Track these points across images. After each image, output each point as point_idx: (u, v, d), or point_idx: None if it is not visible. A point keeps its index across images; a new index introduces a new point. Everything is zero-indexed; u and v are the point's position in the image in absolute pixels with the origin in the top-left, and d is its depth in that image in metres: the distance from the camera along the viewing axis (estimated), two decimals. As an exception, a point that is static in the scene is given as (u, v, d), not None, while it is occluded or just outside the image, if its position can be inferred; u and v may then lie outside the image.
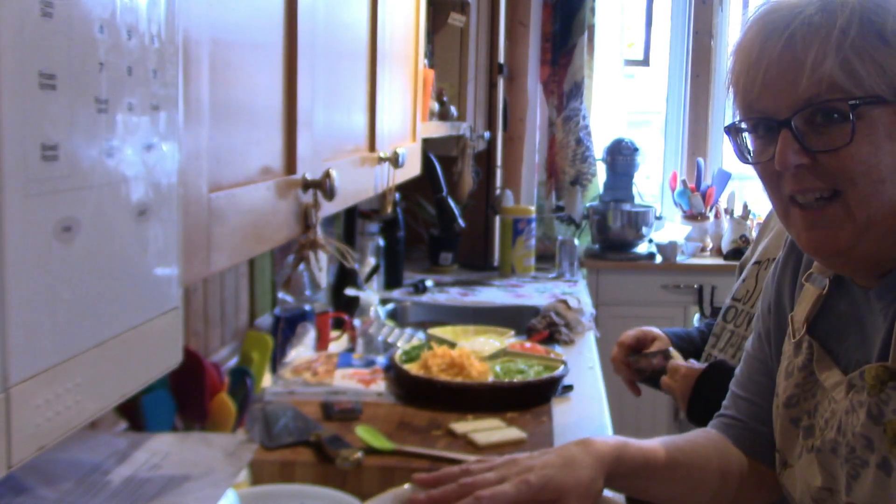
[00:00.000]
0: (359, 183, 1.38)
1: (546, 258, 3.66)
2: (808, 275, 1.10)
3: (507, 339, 2.10)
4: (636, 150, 4.12)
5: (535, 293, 3.03)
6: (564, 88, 4.20)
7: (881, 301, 0.97)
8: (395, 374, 1.83)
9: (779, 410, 1.10)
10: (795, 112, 0.92)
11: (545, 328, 2.39)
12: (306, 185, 1.05)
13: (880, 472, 0.93)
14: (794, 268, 1.16)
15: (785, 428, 1.08)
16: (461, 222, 2.96)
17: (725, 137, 1.07)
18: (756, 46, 0.96)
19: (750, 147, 1.01)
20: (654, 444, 1.16)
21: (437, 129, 2.46)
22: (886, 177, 0.91)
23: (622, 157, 4.12)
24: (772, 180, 0.99)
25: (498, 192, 3.73)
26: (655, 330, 1.75)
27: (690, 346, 1.75)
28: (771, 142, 0.96)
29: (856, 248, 0.95)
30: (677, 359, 1.63)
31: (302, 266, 1.84)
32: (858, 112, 0.90)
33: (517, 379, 1.79)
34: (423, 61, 2.05)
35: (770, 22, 0.95)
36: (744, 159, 1.02)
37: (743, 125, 1.00)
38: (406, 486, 1.12)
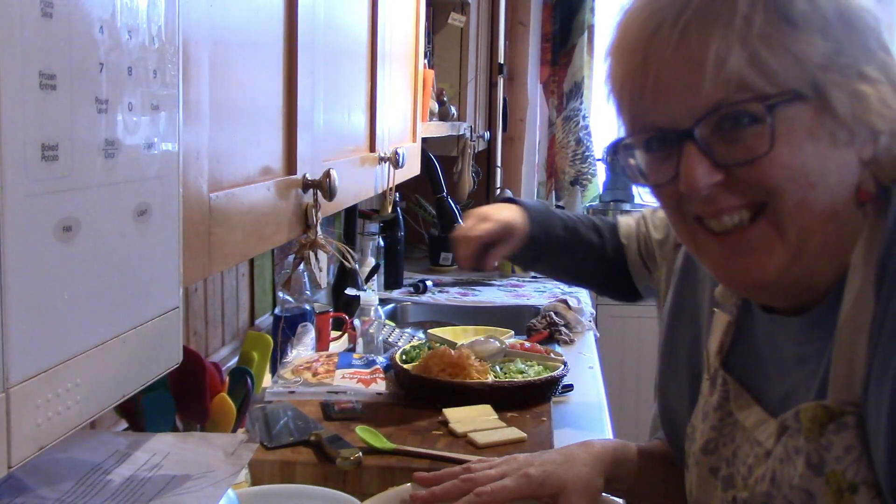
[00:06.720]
0: (359, 183, 1.38)
1: (546, 258, 3.66)
2: (717, 300, 0.95)
3: (507, 339, 2.10)
4: (636, 150, 4.12)
5: (535, 293, 3.03)
6: (564, 88, 4.21)
7: (815, 331, 0.82)
8: (395, 374, 1.83)
9: (696, 458, 0.94)
10: (699, 120, 0.75)
11: (545, 328, 2.39)
12: (306, 185, 1.05)
13: None
14: (712, 287, 0.97)
15: (703, 478, 0.93)
16: (461, 222, 2.95)
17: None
18: (641, 44, 0.78)
19: (642, 166, 0.82)
20: (654, 444, 1.15)
21: (437, 129, 2.46)
22: (816, 181, 0.75)
23: (622, 157, 4.13)
24: (672, 201, 0.81)
25: (498, 192, 3.73)
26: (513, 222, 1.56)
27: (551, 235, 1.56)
28: (668, 157, 0.79)
29: (787, 274, 0.79)
30: None
31: (302, 266, 1.84)
32: (775, 113, 0.74)
33: (517, 379, 1.79)
34: (423, 61, 2.05)
35: (655, 12, 0.77)
36: (638, 181, 0.84)
37: (632, 141, 0.82)
38: (406, 485, 1.13)
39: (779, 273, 0.78)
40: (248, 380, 1.26)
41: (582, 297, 2.80)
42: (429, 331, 2.21)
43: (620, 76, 0.81)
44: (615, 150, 0.83)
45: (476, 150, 3.42)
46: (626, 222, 1.64)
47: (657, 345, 1.59)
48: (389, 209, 2.27)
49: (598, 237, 1.61)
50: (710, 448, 0.93)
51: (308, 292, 1.97)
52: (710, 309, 0.97)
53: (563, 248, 1.60)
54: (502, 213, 1.58)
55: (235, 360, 1.44)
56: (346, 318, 2.21)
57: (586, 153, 4.20)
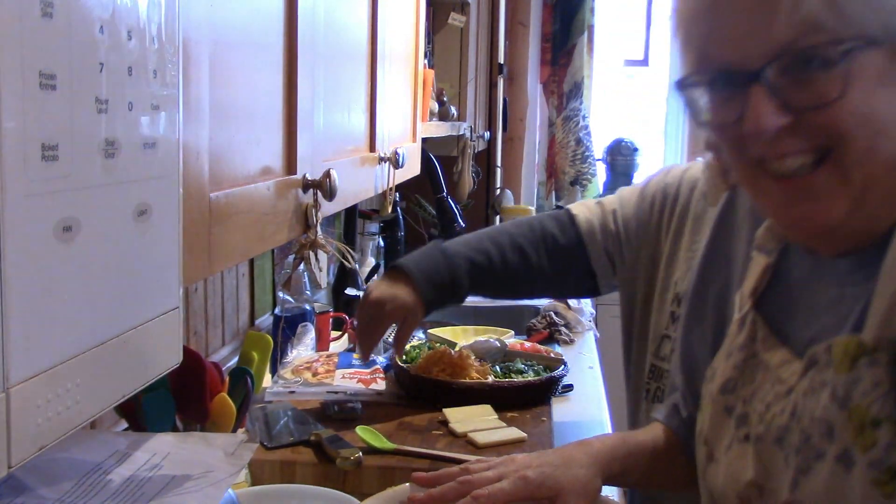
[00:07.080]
0: (359, 183, 1.38)
1: (546, 258, 3.65)
2: (755, 244, 0.94)
3: (507, 339, 2.10)
4: (636, 150, 4.13)
5: (535, 293, 3.02)
6: (564, 88, 4.21)
7: (859, 272, 0.80)
8: (395, 374, 1.83)
9: (713, 397, 0.94)
10: (769, 61, 0.73)
11: (545, 328, 2.38)
12: (306, 185, 1.05)
13: (838, 466, 0.75)
14: (749, 234, 0.97)
15: (717, 416, 0.93)
16: (461, 222, 2.95)
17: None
18: None
19: (705, 104, 0.80)
20: (657, 432, 1.15)
21: (437, 129, 2.46)
22: (884, 128, 0.74)
23: (622, 157, 4.14)
24: (735, 142, 0.79)
25: (498, 192, 3.73)
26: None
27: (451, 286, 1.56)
28: (734, 97, 0.77)
29: (850, 221, 0.77)
30: None
31: (302, 266, 1.84)
32: (849, 57, 0.72)
33: (517, 379, 1.79)
34: (423, 61, 2.05)
35: None
36: (699, 121, 0.82)
37: (697, 79, 0.80)
38: (405, 485, 1.13)
39: (840, 220, 0.77)
40: (248, 380, 1.26)
41: (582, 297, 2.80)
42: (429, 331, 2.21)
43: (688, 12, 0.79)
44: (679, 86, 0.81)
45: (476, 150, 3.42)
46: (586, 219, 1.57)
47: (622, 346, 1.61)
48: (389, 209, 2.27)
49: (518, 256, 1.57)
50: (730, 387, 0.92)
51: (308, 292, 1.97)
52: (747, 255, 0.96)
53: (476, 287, 1.60)
54: (394, 300, 1.51)
55: (235, 360, 1.45)
56: (346, 318, 2.21)
57: (586, 153, 4.20)
